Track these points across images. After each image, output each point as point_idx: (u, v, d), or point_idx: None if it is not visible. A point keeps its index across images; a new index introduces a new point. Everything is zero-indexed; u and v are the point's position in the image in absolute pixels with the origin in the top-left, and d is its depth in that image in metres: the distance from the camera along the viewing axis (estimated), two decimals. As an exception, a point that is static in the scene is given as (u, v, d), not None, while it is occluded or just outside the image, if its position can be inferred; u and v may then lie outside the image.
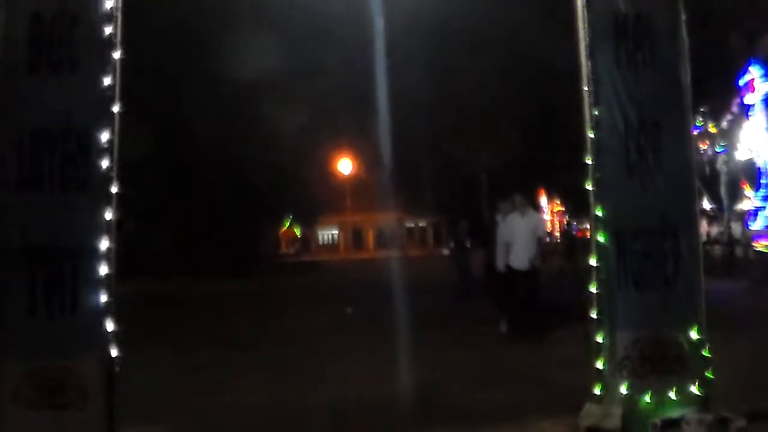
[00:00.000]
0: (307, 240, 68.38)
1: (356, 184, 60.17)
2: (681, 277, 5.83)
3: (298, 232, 64.94)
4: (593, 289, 5.78)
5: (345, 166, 60.15)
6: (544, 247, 13.41)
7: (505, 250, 11.29)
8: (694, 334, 5.76)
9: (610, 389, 5.72)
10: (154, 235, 31.37)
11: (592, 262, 5.80)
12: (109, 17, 5.65)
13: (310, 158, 43.76)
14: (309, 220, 61.01)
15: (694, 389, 5.72)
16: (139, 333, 6.50)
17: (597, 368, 5.76)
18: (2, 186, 5.48)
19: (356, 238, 67.76)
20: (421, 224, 68.13)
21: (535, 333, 10.39)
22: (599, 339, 5.76)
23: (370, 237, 67.77)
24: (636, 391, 5.68)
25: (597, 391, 5.76)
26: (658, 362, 5.75)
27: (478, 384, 8.07)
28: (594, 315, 5.78)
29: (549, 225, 55.26)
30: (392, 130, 34.65)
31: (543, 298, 11.31)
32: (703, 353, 5.77)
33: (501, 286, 11.73)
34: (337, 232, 69.20)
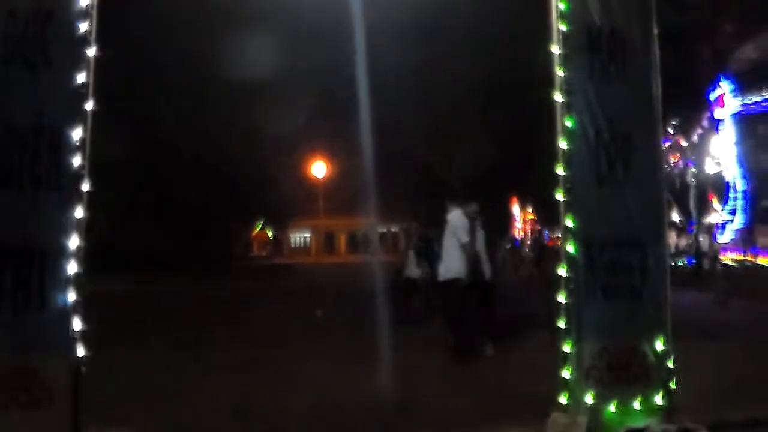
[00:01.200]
0: (279, 242, 68.18)
1: (329, 187, 60.09)
2: (648, 289, 5.89)
3: (270, 234, 64.76)
4: (561, 298, 5.83)
5: (319, 169, 60.05)
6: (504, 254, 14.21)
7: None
8: (659, 345, 5.83)
9: (576, 398, 5.76)
10: (125, 234, 31.06)
11: (562, 271, 5.85)
12: (85, 14, 5.60)
13: (284, 161, 43.66)
14: (281, 222, 60.83)
15: (658, 399, 5.79)
16: (107, 333, 6.46)
17: (563, 377, 5.81)
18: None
19: (328, 241, 67.73)
20: (393, 229, 68.18)
21: (500, 342, 10.33)
22: (566, 348, 5.81)
23: (342, 241, 67.74)
24: (601, 400, 5.73)
25: (563, 400, 5.80)
26: (623, 372, 5.81)
27: (445, 390, 8.10)
28: (561, 324, 5.83)
29: (520, 233, 55.66)
30: (367, 135, 34.64)
31: (510, 307, 11.33)
32: (668, 363, 5.84)
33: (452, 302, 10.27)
34: (309, 235, 69.11)
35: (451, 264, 9.97)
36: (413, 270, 14.00)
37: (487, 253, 10.28)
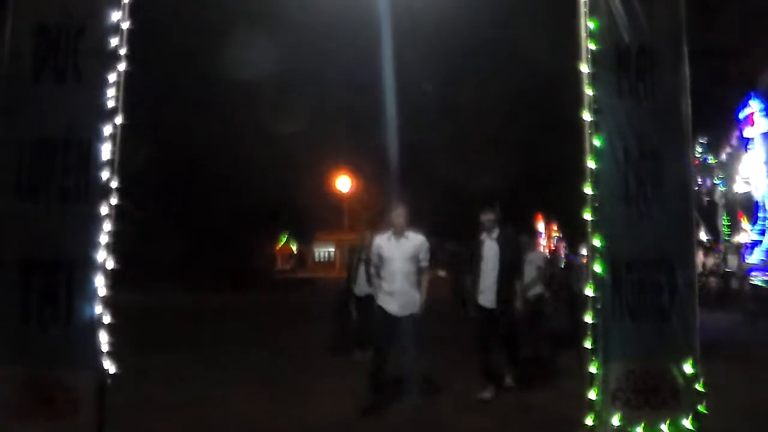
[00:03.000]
0: (303, 256, 68.29)
1: (354, 202, 60.11)
2: (676, 310, 5.80)
3: (294, 248, 64.92)
4: (589, 318, 5.76)
5: (343, 183, 60.14)
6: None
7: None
8: (688, 367, 5.73)
9: (602, 420, 5.68)
10: (150, 247, 31.30)
11: (589, 291, 5.79)
12: (115, 29, 5.67)
13: (309, 175, 43.86)
14: (305, 236, 61.05)
15: (687, 423, 5.68)
16: (131, 345, 6.48)
17: (590, 399, 5.73)
18: (1, 195, 5.48)
19: (353, 255, 67.59)
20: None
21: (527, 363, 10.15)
22: (593, 369, 5.73)
23: (366, 256, 67.59)
24: (628, 422, 5.64)
25: (590, 421, 5.72)
26: (651, 394, 5.72)
27: (465, 408, 8.03)
28: (588, 345, 5.76)
29: (545, 250, 55.27)
30: (392, 150, 34.70)
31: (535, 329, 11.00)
32: (697, 387, 5.74)
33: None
34: (333, 249, 69.14)
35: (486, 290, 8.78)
36: (365, 287, 11.66)
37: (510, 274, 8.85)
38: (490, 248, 8.83)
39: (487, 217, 8.94)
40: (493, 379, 8.70)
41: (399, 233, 8.14)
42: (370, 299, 11.20)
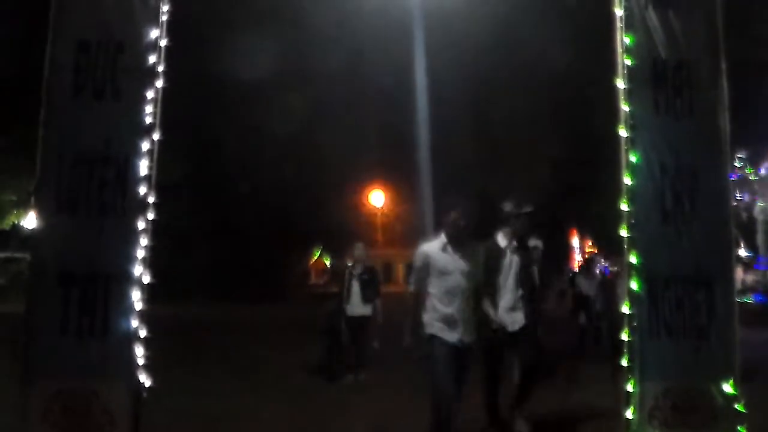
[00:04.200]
0: (337, 271, 68.29)
1: (388, 216, 60.17)
2: (715, 328, 5.71)
3: (328, 262, 64.96)
4: (625, 336, 5.68)
5: (377, 198, 60.24)
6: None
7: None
8: (728, 387, 5.63)
9: (639, 439, 5.60)
10: (185, 261, 31.61)
11: (626, 309, 5.72)
12: (154, 46, 5.76)
13: (343, 189, 43.99)
14: (339, 251, 61.12)
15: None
16: (166, 358, 6.53)
17: (626, 417, 5.65)
18: (40, 209, 5.58)
19: (386, 271, 67.53)
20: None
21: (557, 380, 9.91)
22: (629, 387, 5.66)
23: (399, 271, 67.59)
24: (666, 442, 5.56)
25: (626, 440, 5.64)
26: (689, 414, 5.62)
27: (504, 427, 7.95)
28: (625, 363, 5.68)
29: (578, 265, 54.62)
30: (426, 165, 34.71)
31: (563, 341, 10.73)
32: (737, 407, 5.63)
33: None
34: (366, 264, 69.23)
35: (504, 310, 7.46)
36: (359, 307, 11.01)
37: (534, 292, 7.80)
38: (511, 258, 7.50)
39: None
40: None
41: (458, 242, 6.34)
42: (364, 321, 11.06)
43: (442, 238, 6.35)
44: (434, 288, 6.23)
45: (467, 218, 6.34)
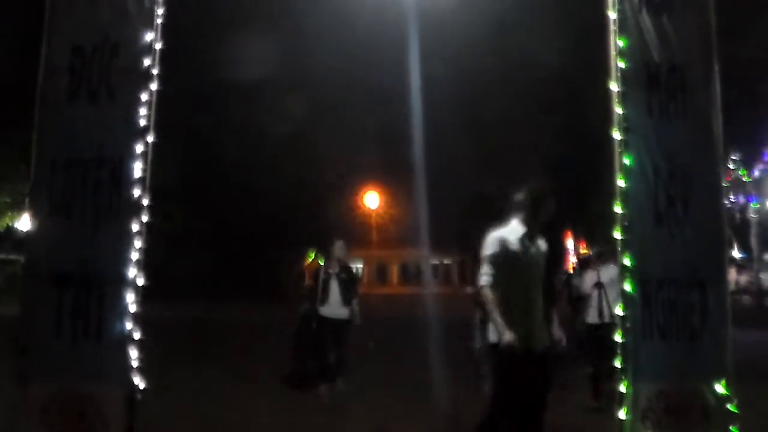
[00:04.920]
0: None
1: (382, 218, 60.26)
2: (708, 329, 5.73)
3: (322, 264, 64.85)
4: (619, 338, 5.71)
5: (372, 200, 60.33)
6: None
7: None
8: (720, 388, 5.65)
9: (632, 440, 5.63)
10: (180, 263, 31.60)
11: (619, 311, 5.74)
12: (148, 49, 5.77)
13: (338, 191, 44.03)
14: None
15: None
16: (161, 360, 6.54)
17: (620, 418, 5.67)
18: (34, 211, 5.59)
19: (380, 272, 67.66)
20: (446, 261, 67.92)
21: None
22: (622, 389, 5.68)
23: (394, 272, 67.66)
24: (659, 443, 5.58)
25: (619, 441, 5.66)
26: (682, 415, 5.64)
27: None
28: (618, 364, 5.70)
29: (573, 267, 54.68)
30: (420, 167, 34.73)
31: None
32: (730, 408, 5.66)
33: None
34: (361, 265, 69.34)
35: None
36: (337, 308, 10.00)
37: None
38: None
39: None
40: None
41: (534, 229, 5.56)
42: (344, 324, 9.96)
43: (515, 224, 5.53)
44: (510, 284, 5.35)
45: (551, 200, 5.61)
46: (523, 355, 5.16)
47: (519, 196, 5.53)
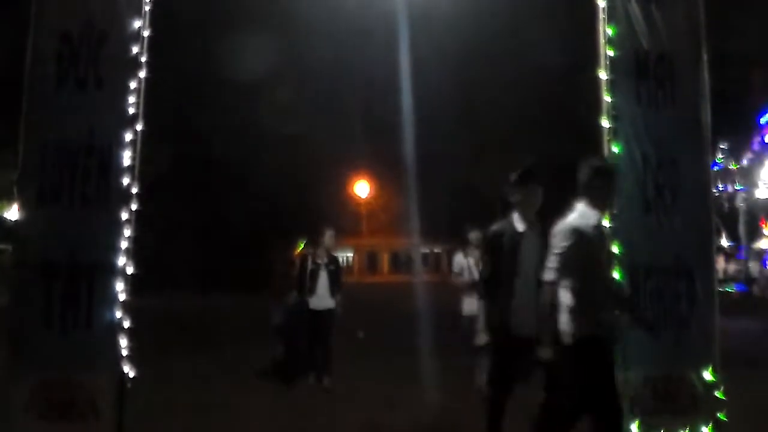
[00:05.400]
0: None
1: (373, 207, 60.25)
2: (695, 317, 5.78)
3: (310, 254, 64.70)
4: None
5: (362, 188, 60.30)
6: None
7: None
8: (707, 375, 5.70)
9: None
10: (171, 252, 31.54)
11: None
12: (136, 37, 5.74)
13: (328, 180, 43.99)
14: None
15: (706, 430, 5.66)
16: (151, 349, 6.53)
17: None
18: (23, 200, 5.56)
19: (371, 261, 67.69)
20: (436, 250, 67.99)
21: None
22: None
23: (384, 261, 67.70)
24: (647, 429, 5.62)
25: (607, 428, 5.69)
26: (670, 401, 5.70)
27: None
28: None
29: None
30: (411, 156, 34.74)
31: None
32: (717, 394, 5.71)
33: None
34: (351, 254, 69.29)
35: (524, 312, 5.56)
36: (326, 300, 9.57)
37: None
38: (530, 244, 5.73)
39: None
40: None
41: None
42: (331, 315, 9.56)
43: (583, 209, 5.01)
44: (584, 281, 4.88)
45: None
46: (609, 348, 4.95)
47: (584, 176, 5.00)
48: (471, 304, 8.50)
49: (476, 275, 8.43)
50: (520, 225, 5.76)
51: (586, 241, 4.84)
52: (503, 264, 5.68)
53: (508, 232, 5.76)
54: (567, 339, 4.82)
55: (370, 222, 60.81)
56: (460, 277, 8.99)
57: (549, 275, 4.90)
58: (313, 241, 10.04)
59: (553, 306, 4.86)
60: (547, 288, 4.90)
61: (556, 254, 4.88)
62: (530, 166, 5.96)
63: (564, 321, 4.86)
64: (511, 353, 5.59)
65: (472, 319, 8.15)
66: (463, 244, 9.18)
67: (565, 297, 4.87)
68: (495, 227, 5.88)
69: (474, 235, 8.87)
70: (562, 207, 5.09)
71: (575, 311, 4.83)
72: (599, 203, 4.99)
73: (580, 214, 4.95)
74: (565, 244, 4.85)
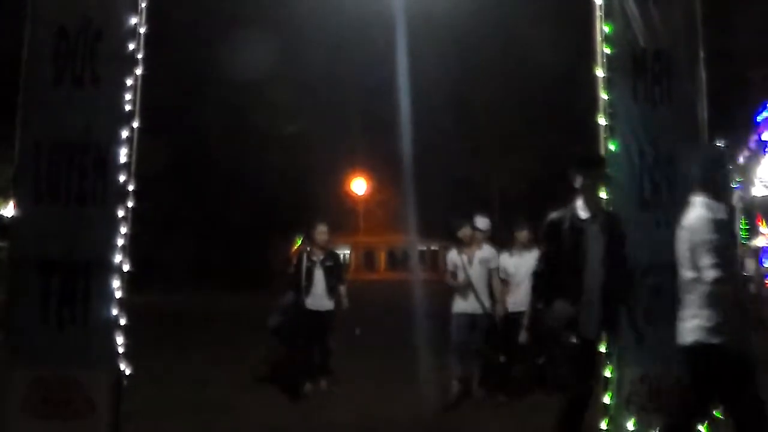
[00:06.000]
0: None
1: (369, 204, 60.19)
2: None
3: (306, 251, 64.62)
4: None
5: (359, 186, 60.23)
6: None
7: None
8: (704, 373, 5.69)
9: (617, 424, 5.68)
10: (168, 249, 31.55)
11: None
12: (132, 33, 5.73)
13: (325, 177, 43.95)
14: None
15: (702, 429, 5.65)
16: (147, 346, 6.53)
17: (604, 403, 5.72)
18: (20, 197, 5.56)
19: (368, 258, 67.61)
20: (432, 248, 67.94)
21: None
22: (607, 373, 5.72)
23: (381, 258, 67.64)
24: (643, 426, 5.64)
25: (604, 425, 5.71)
26: (666, 398, 5.69)
27: (482, 410, 8.01)
28: (603, 349, 5.74)
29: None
30: (408, 153, 34.72)
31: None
32: (713, 392, 5.70)
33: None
34: (348, 252, 69.20)
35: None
36: (323, 300, 9.06)
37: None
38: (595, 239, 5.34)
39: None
40: None
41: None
42: (329, 316, 9.14)
43: (704, 200, 4.61)
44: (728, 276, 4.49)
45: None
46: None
47: (697, 168, 4.69)
48: (461, 303, 8.50)
49: (470, 273, 8.41)
50: (583, 212, 5.34)
51: (724, 235, 4.46)
52: (564, 256, 5.27)
53: (570, 221, 5.32)
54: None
55: (367, 219, 60.71)
56: (453, 275, 8.64)
57: (714, 272, 4.37)
58: (307, 238, 9.45)
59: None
60: (723, 288, 4.40)
61: (710, 249, 4.38)
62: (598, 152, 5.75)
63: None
64: (583, 355, 5.29)
65: (466, 318, 8.24)
66: (456, 242, 8.75)
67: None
68: (554, 215, 5.44)
69: (464, 232, 8.57)
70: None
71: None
72: (720, 193, 4.64)
73: (707, 207, 4.53)
74: (711, 237, 4.40)
